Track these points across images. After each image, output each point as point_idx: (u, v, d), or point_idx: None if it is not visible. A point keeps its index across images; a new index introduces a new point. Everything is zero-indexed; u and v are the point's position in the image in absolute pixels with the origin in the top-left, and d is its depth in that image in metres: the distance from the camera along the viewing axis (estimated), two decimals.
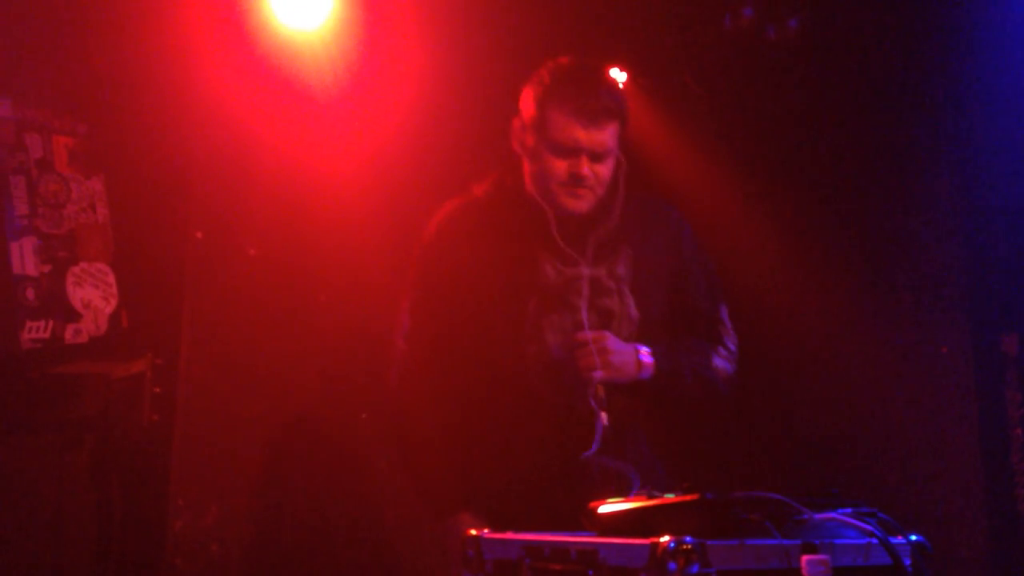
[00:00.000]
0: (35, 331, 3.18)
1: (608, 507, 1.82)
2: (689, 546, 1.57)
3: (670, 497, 1.75)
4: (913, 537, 1.84)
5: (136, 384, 3.28)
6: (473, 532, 1.95)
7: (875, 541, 1.74)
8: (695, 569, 1.56)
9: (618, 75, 4.15)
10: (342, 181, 3.52)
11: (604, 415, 2.37)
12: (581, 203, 2.46)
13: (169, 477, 3.25)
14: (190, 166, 3.42)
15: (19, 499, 3.11)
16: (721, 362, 2.61)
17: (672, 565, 1.56)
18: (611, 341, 2.41)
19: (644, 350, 2.45)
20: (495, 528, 2.02)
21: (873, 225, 4.01)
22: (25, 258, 3.19)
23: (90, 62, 3.30)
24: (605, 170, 2.47)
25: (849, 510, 1.78)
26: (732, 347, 2.65)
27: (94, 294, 3.30)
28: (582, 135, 2.42)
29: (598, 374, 2.37)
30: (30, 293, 3.19)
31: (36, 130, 3.28)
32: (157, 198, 3.41)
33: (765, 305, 4.08)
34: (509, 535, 1.91)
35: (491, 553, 1.90)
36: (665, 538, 1.58)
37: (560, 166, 2.44)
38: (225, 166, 3.44)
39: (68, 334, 3.24)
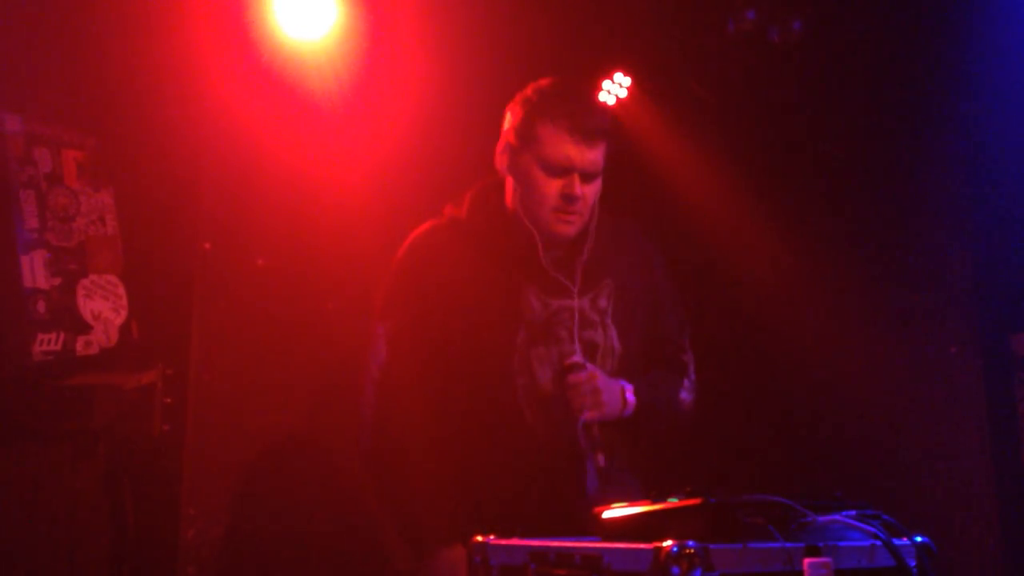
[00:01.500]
0: (46, 343, 3.21)
1: (612, 512, 1.83)
2: (692, 550, 1.58)
3: (673, 502, 1.76)
4: (918, 538, 1.84)
5: (147, 395, 3.31)
6: (479, 538, 1.96)
7: (879, 543, 1.74)
8: (698, 573, 1.57)
9: (622, 79, 4.17)
10: (349, 190, 3.53)
11: (601, 456, 2.34)
12: (571, 228, 2.42)
13: (181, 486, 3.26)
14: (198, 177, 3.44)
15: (32, 510, 3.13)
16: (686, 394, 2.59)
17: (675, 569, 1.57)
18: (601, 380, 2.37)
19: (628, 388, 2.43)
20: None
21: (880, 225, 4.01)
22: (36, 271, 3.22)
23: (98, 75, 3.32)
24: (593, 192, 2.42)
25: (853, 512, 1.78)
26: (693, 376, 2.63)
27: (104, 306, 3.33)
28: (575, 153, 2.36)
29: (588, 415, 2.34)
30: (41, 306, 3.21)
31: (45, 144, 3.31)
32: (165, 210, 3.43)
33: (772, 306, 4.08)
34: (515, 541, 1.92)
35: (497, 559, 1.91)
36: (668, 542, 1.59)
37: (552, 186, 2.38)
38: (232, 177, 3.47)
39: (79, 346, 3.27)
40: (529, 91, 2.47)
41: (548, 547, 1.82)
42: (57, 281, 3.25)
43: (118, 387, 3.28)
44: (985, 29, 3.67)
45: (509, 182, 2.49)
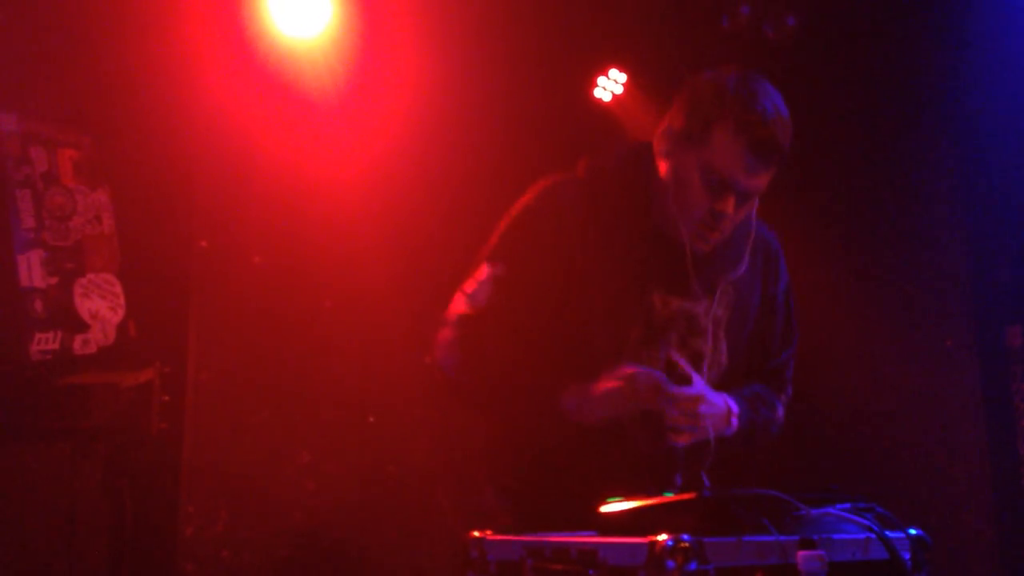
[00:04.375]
0: (44, 342, 3.21)
1: (608, 507, 1.83)
2: (687, 544, 1.58)
3: (669, 496, 1.76)
4: (912, 531, 1.85)
5: (145, 393, 3.31)
6: (476, 533, 1.97)
7: (873, 536, 1.75)
8: (693, 566, 1.57)
9: (618, 75, 4.18)
10: (343, 187, 3.55)
11: (678, 476, 2.19)
12: (707, 246, 2.16)
13: (179, 484, 3.28)
14: (193, 176, 3.45)
15: (32, 508, 3.14)
16: (782, 411, 2.38)
17: (670, 563, 1.57)
18: (705, 405, 2.09)
19: (735, 411, 2.18)
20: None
21: (876, 221, 4.02)
22: (33, 270, 3.22)
23: (93, 74, 3.32)
24: (745, 212, 2.15)
25: (847, 505, 1.79)
26: (790, 392, 2.42)
27: (101, 304, 3.33)
28: (743, 178, 2.07)
29: (683, 440, 2.09)
30: (38, 305, 3.22)
31: (41, 143, 3.31)
32: (162, 208, 3.44)
33: None
34: (511, 536, 1.92)
35: (494, 554, 1.91)
36: (663, 536, 1.59)
37: (705, 198, 2.09)
38: (228, 175, 3.48)
39: (77, 345, 3.27)
40: (716, 80, 2.11)
41: (544, 542, 1.83)
42: (54, 280, 3.26)
43: (116, 385, 3.28)
44: (980, 25, 3.67)
45: (661, 164, 2.17)
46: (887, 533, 1.76)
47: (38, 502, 3.16)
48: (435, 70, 3.62)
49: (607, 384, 2.05)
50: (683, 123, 2.12)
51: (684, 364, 2.11)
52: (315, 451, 3.53)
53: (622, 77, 4.16)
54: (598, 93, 4.18)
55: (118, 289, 3.38)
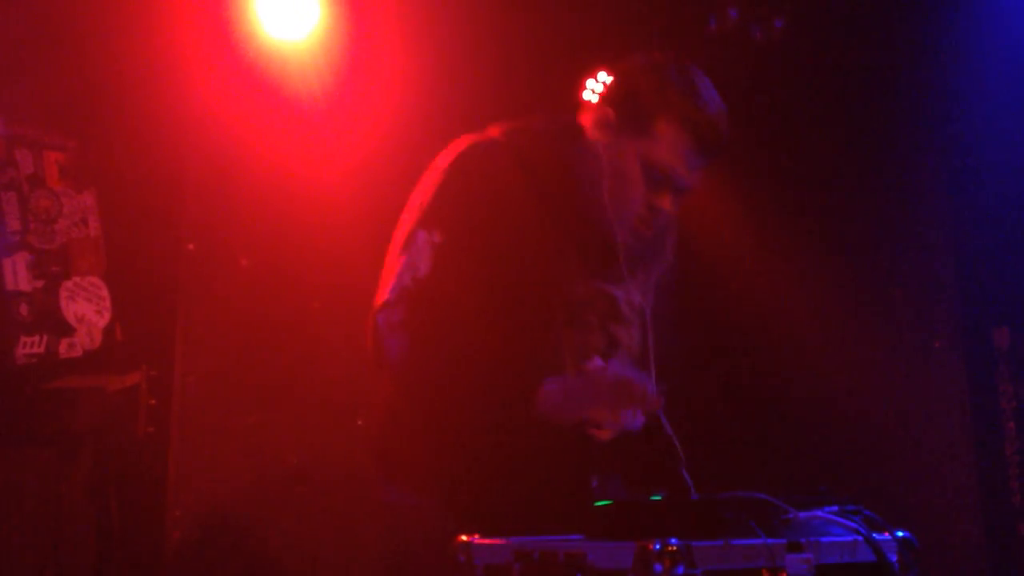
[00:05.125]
0: (30, 346, 3.20)
1: (595, 510, 1.83)
2: (674, 547, 1.58)
3: (656, 499, 1.77)
4: (899, 533, 1.86)
5: (131, 396, 3.30)
6: (464, 538, 1.96)
7: (861, 538, 1.75)
8: (680, 570, 1.57)
9: (605, 78, 4.18)
10: (331, 189, 3.54)
11: (594, 479, 2.12)
12: (649, 233, 2.10)
13: (166, 488, 3.27)
14: (181, 178, 3.45)
15: (17, 513, 3.13)
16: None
17: (658, 567, 1.58)
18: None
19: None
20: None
21: (864, 221, 4.03)
22: (18, 274, 3.21)
23: (80, 76, 3.32)
24: (678, 205, 2.12)
25: (835, 508, 1.79)
26: None
27: (87, 308, 3.32)
28: (685, 172, 2.03)
29: (604, 435, 2.03)
30: (24, 309, 3.21)
31: (27, 146, 3.30)
32: (148, 211, 3.43)
33: (756, 301, 4.10)
34: (499, 540, 1.92)
35: (481, 559, 1.91)
36: (651, 540, 1.60)
37: (641, 194, 2.04)
38: (215, 177, 3.47)
39: (62, 348, 3.26)
40: (656, 71, 2.05)
41: (532, 546, 1.83)
42: (40, 283, 3.25)
43: (102, 389, 3.27)
44: (967, 27, 3.69)
45: (598, 153, 2.07)
46: (874, 535, 1.76)
47: (24, 506, 3.15)
48: (422, 72, 3.62)
49: (595, 382, 1.98)
50: (622, 113, 2.05)
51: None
52: (303, 454, 3.52)
53: (610, 80, 4.17)
54: (586, 95, 4.18)
55: (104, 292, 3.36)
